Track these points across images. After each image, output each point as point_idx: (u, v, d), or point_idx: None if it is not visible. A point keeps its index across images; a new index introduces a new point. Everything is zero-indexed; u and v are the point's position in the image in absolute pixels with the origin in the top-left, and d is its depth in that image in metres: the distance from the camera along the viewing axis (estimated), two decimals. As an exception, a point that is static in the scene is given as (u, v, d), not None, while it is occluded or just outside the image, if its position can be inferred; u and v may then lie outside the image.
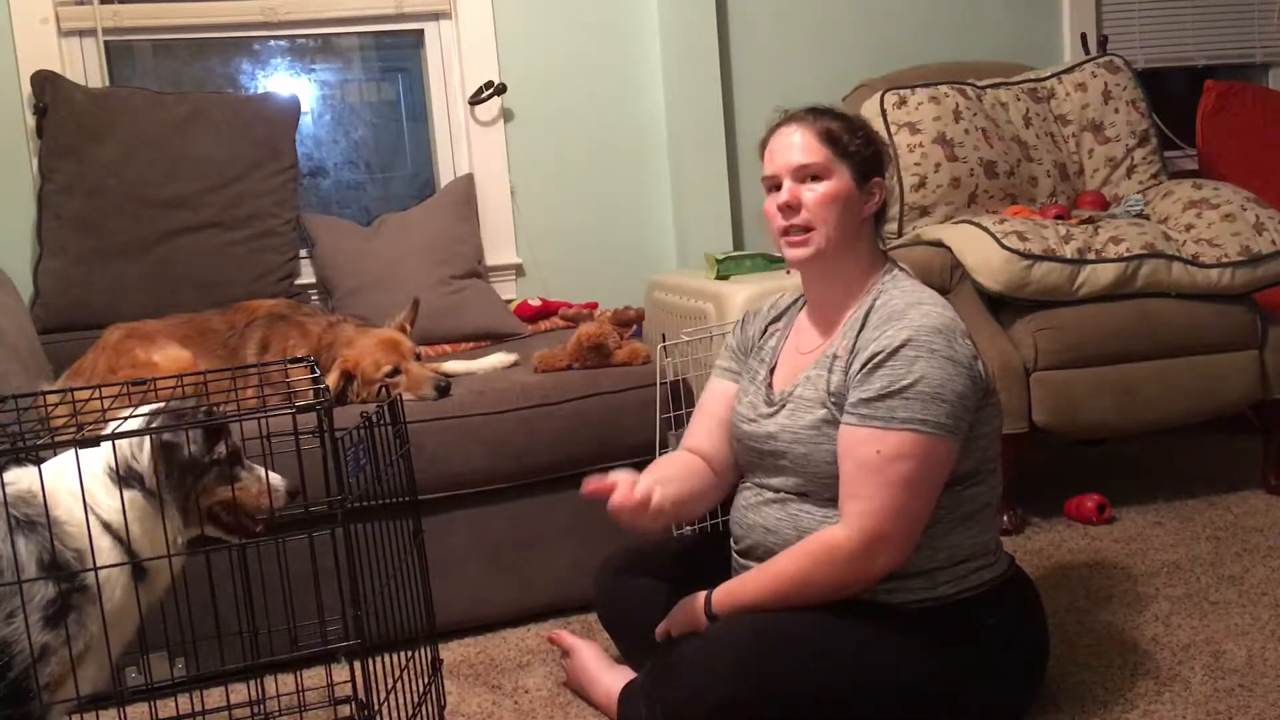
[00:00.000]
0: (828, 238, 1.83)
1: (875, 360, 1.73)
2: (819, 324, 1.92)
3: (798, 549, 1.77)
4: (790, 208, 1.84)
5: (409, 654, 1.85)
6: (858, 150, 1.85)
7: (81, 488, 1.53)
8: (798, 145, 1.84)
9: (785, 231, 1.86)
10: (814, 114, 1.88)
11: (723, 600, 1.82)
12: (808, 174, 1.84)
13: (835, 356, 1.82)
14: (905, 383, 1.70)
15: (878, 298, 1.83)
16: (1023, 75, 3.52)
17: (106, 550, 1.54)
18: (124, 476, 1.56)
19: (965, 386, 1.72)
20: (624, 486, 1.82)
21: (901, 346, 1.71)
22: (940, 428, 1.70)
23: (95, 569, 1.51)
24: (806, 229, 1.83)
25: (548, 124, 3.50)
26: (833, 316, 1.88)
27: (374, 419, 1.76)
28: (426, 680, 1.91)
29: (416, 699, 1.85)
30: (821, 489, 1.80)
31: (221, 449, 1.63)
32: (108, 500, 1.55)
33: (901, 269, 1.91)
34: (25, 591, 1.46)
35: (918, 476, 1.70)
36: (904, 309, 1.77)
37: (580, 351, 2.55)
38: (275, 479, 1.67)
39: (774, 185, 1.88)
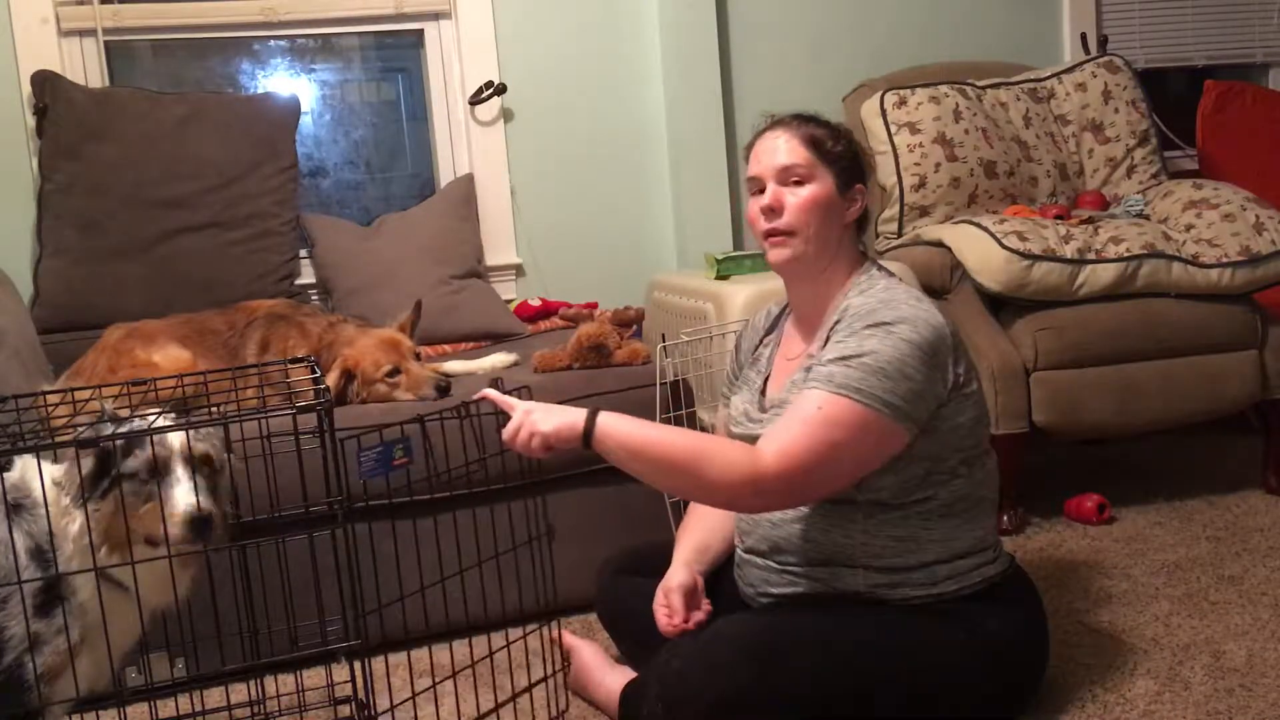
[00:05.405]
0: (809, 242, 1.83)
1: (834, 337, 1.75)
2: (802, 329, 1.93)
3: (717, 438, 1.82)
4: (773, 210, 1.85)
5: (409, 654, 1.84)
6: (841, 156, 1.87)
7: (43, 487, 1.53)
8: (782, 148, 1.86)
9: (767, 234, 1.87)
10: (799, 120, 1.90)
11: (610, 428, 1.72)
12: (790, 177, 1.84)
13: (813, 360, 1.82)
14: (852, 353, 1.70)
15: (854, 299, 1.83)
16: (1023, 75, 3.52)
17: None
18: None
19: (919, 370, 1.70)
20: (661, 615, 1.90)
21: (864, 327, 1.73)
22: (876, 400, 1.68)
23: (60, 573, 1.51)
24: (788, 232, 1.84)
25: (548, 124, 3.50)
26: (814, 321, 1.89)
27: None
28: (426, 680, 1.91)
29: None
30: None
31: (133, 463, 1.51)
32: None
33: (882, 269, 1.90)
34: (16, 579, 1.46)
35: (843, 444, 1.67)
36: (875, 306, 1.77)
37: (580, 351, 2.55)
38: (181, 503, 1.49)
39: (758, 189, 1.89)
